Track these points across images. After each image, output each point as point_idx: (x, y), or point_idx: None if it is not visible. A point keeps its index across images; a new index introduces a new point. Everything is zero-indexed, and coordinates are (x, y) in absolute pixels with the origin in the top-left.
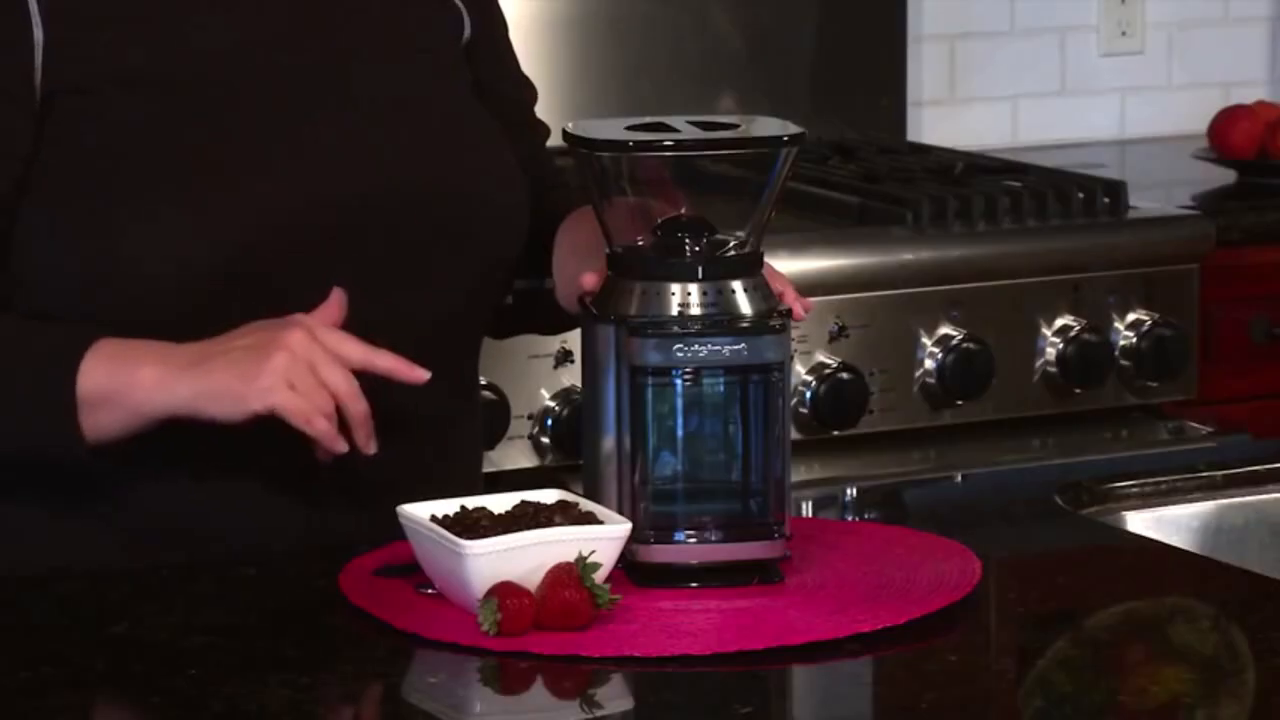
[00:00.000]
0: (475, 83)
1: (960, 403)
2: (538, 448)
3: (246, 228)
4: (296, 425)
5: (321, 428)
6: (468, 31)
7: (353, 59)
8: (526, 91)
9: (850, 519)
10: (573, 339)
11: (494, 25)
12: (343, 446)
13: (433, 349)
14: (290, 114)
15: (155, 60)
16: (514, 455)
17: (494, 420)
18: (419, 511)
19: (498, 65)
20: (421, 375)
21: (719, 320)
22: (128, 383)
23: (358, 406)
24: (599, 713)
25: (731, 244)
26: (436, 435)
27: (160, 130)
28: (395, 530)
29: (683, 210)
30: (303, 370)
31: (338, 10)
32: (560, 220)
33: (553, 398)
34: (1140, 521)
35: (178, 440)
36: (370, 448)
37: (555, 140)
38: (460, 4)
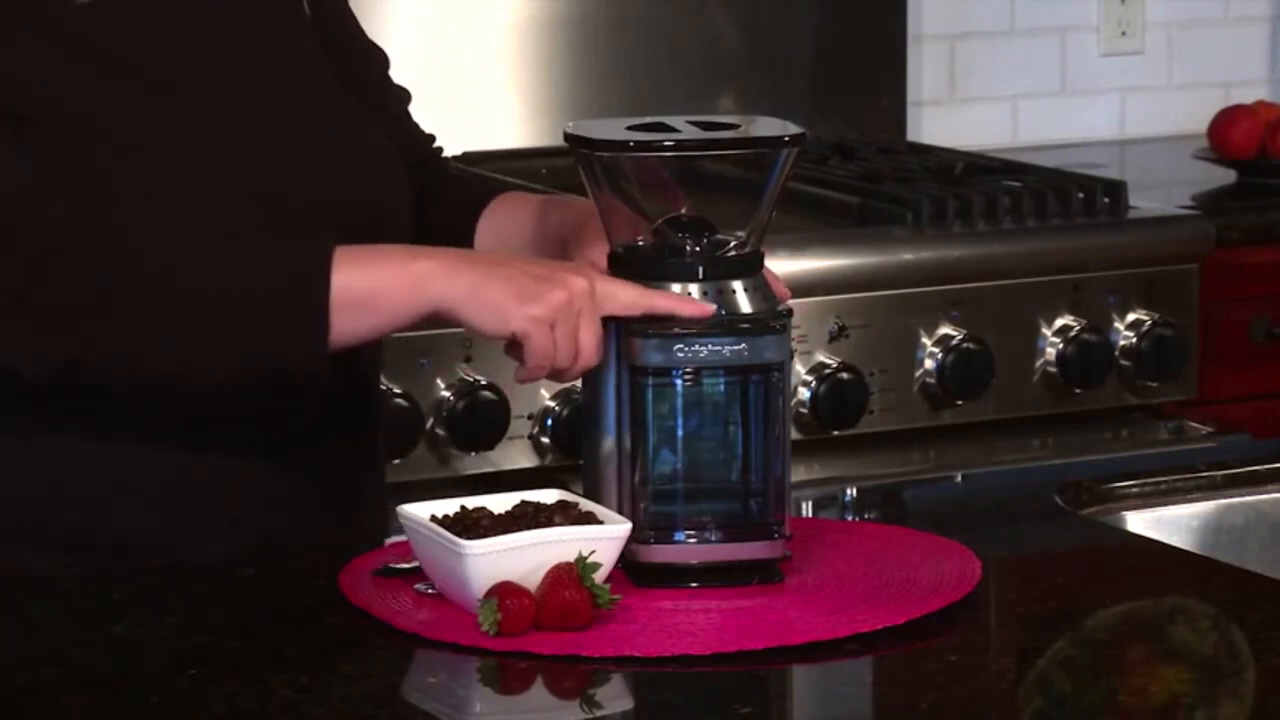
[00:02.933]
0: (335, 70)
1: (960, 403)
2: (538, 448)
3: None
4: (527, 360)
5: (539, 377)
6: (307, 13)
7: (233, 81)
8: (379, 62)
9: (850, 519)
10: None
11: (338, 15)
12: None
13: (345, 357)
14: (175, 145)
15: (25, 100)
16: (514, 455)
17: (494, 420)
18: (419, 511)
19: (345, 43)
20: (708, 309)
21: (719, 320)
22: (400, 277)
23: (578, 374)
24: (599, 713)
25: (732, 244)
26: (343, 443)
27: (55, 163)
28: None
29: (683, 210)
30: (570, 317)
31: (207, 30)
32: (469, 209)
33: (553, 398)
34: (1140, 521)
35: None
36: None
37: (555, 140)
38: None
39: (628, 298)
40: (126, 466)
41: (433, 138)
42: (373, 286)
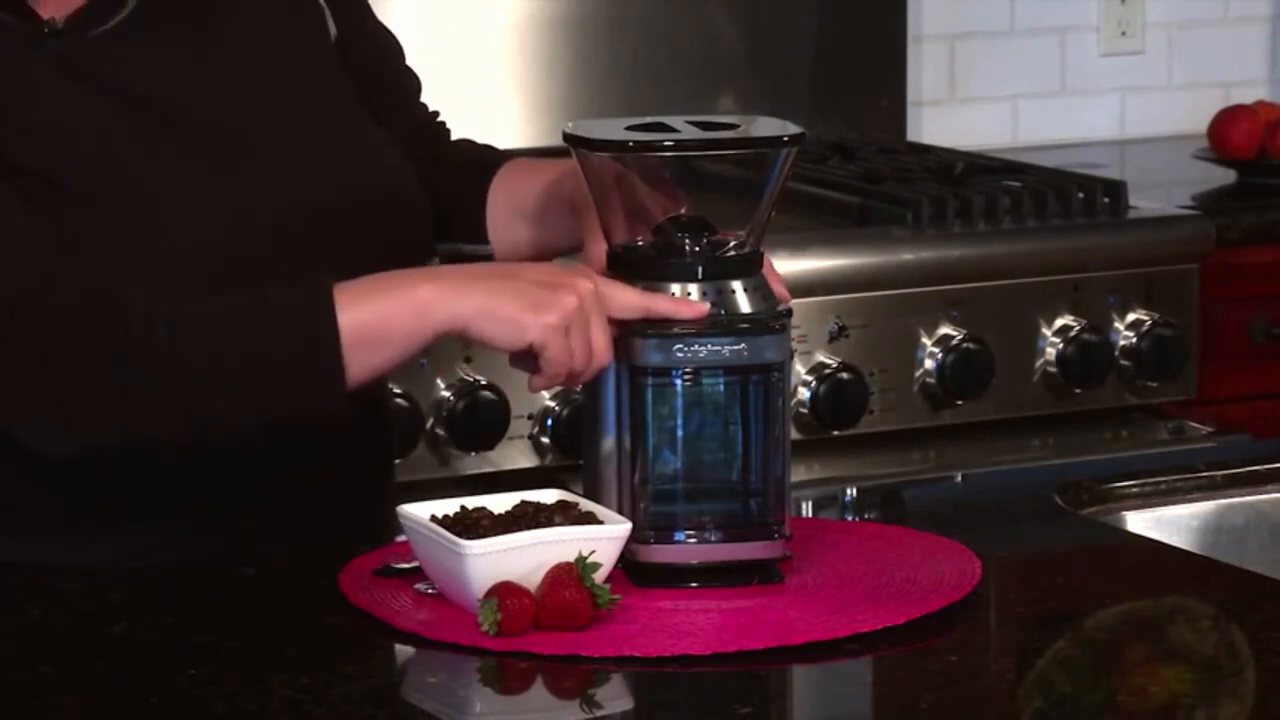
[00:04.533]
0: (357, 77)
1: (960, 403)
2: (538, 448)
3: (178, 279)
4: (545, 369)
5: (556, 385)
6: (333, 30)
7: (244, 101)
8: (395, 52)
9: (850, 519)
10: None
11: (358, 12)
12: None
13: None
14: (187, 165)
15: (36, 152)
16: (514, 455)
17: (494, 420)
18: (419, 511)
19: (365, 41)
20: (702, 309)
21: (719, 320)
22: (405, 306)
23: (591, 376)
24: (599, 713)
25: (731, 244)
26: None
27: (68, 193)
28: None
29: (683, 210)
30: (582, 321)
31: (219, 52)
32: (477, 181)
33: (553, 398)
34: (1140, 521)
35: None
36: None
37: (555, 140)
38: (323, 3)
39: (627, 300)
40: (128, 497)
41: (436, 113)
42: (379, 320)
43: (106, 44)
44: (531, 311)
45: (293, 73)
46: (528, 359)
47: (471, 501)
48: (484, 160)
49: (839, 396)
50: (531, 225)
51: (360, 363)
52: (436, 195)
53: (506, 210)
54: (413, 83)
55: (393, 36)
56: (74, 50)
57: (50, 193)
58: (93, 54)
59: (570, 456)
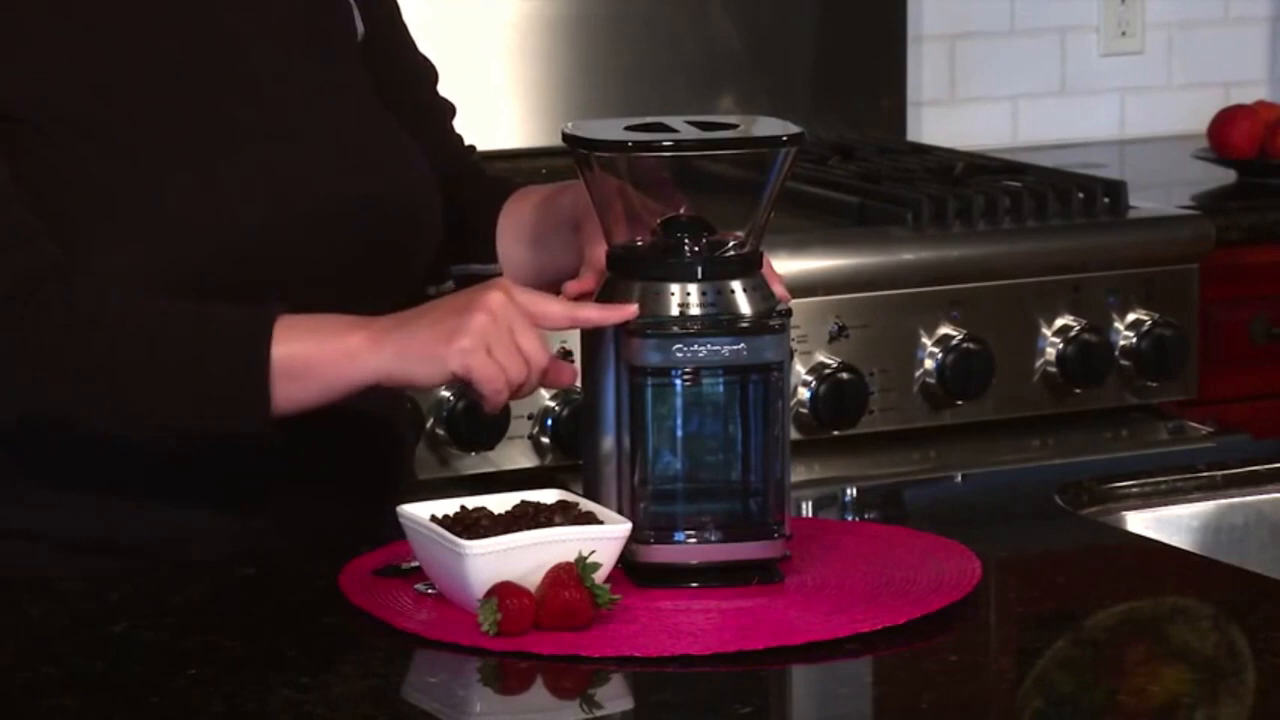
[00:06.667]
0: (376, 80)
1: (960, 403)
2: (538, 448)
3: (185, 259)
4: (482, 390)
5: (501, 401)
6: (361, 29)
7: (264, 85)
8: (428, 76)
9: (850, 519)
10: (573, 339)
11: (388, 16)
12: (498, 410)
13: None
14: (204, 147)
15: (57, 99)
16: (514, 455)
17: (494, 420)
18: (419, 511)
19: (396, 57)
20: (631, 311)
21: (718, 320)
22: (334, 350)
23: (536, 380)
24: (599, 713)
25: (731, 244)
26: (369, 439)
27: (85, 167)
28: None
29: (682, 210)
30: (501, 333)
31: (240, 35)
32: (490, 205)
33: (553, 398)
34: (1140, 521)
35: (109, 454)
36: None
37: (555, 140)
38: (352, 2)
39: (550, 311)
40: (154, 481)
41: (472, 149)
42: (307, 357)
43: (119, 3)
44: (444, 342)
45: (314, 62)
46: (472, 387)
47: (471, 501)
48: (499, 187)
49: (839, 396)
50: (531, 249)
51: (283, 394)
52: (454, 217)
53: (510, 237)
54: (442, 108)
55: (429, 62)
56: (86, 5)
57: (49, 149)
58: (108, 9)
59: (570, 456)
